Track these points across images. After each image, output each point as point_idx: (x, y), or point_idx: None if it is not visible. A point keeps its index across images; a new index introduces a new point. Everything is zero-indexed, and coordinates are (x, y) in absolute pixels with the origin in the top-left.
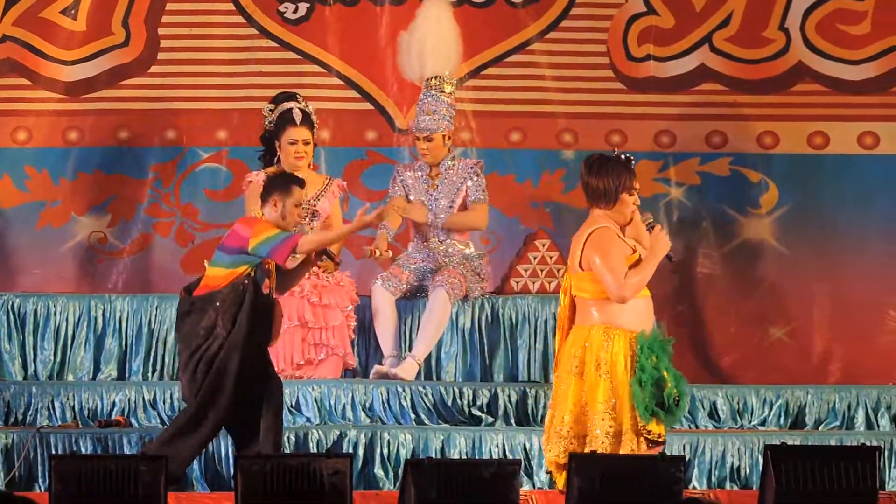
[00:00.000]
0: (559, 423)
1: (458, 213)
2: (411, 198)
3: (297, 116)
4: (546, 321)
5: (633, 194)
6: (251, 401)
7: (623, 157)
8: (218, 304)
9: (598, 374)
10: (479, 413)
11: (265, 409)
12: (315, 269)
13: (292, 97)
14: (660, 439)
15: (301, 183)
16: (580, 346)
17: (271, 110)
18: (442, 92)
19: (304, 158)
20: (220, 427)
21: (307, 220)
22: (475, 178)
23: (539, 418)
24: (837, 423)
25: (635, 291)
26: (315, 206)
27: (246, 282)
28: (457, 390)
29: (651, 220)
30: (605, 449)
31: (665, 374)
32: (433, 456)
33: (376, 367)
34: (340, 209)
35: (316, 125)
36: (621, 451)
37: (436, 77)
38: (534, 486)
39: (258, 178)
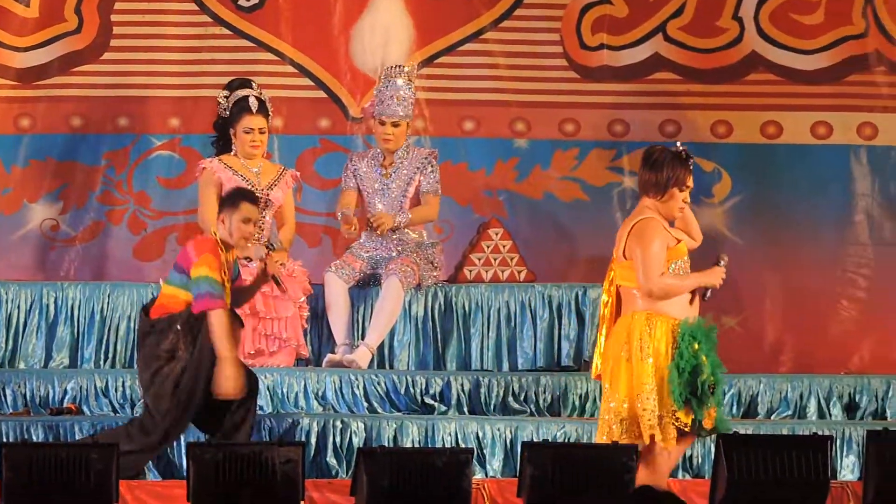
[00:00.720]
0: (619, 411)
1: (412, 211)
2: (365, 184)
3: (254, 105)
4: (499, 310)
5: (685, 191)
6: (222, 408)
7: (683, 152)
8: (178, 326)
9: (642, 358)
10: (431, 401)
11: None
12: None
13: (247, 84)
14: (686, 429)
15: (252, 198)
16: (625, 333)
17: (226, 97)
18: (408, 79)
19: (260, 147)
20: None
21: (261, 211)
22: (429, 169)
23: (492, 406)
24: (789, 413)
25: (662, 292)
26: (269, 195)
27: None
28: (409, 379)
29: (726, 261)
30: (654, 432)
31: (704, 361)
32: (386, 444)
33: (329, 356)
34: (293, 199)
35: (270, 113)
36: (649, 436)
37: (398, 66)
38: (486, 475)
39: (211, 165)
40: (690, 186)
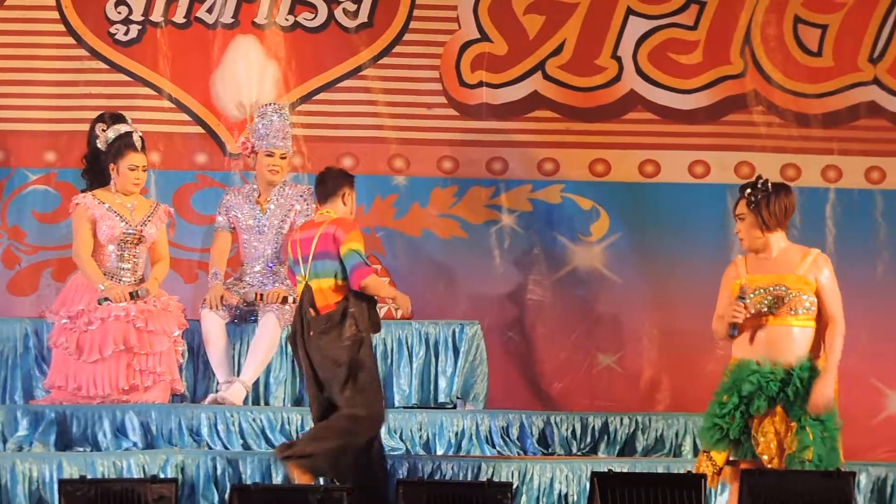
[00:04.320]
0: None
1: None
2: (240, 220)
3: (137, 142)
4: (375, 347)
5: (737, 221)
6: None
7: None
8: (351, 310)
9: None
10: None
11: None
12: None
13: (123, 119)
14: (715, 468)
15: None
16: None
17: (104, 131)
18: (285, 116)
19: (141, 184)
20: None
21: (134, 246)
22: (304, 205)
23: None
24: (665, 451)
25: (715, 333)
26: (142, 231)
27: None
28: (285, 415)
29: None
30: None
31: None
32: (259, 481)
33: (210, 396)
34: (166, 235)
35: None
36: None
37: (273, 103)
38: None
39: (84, 200)
40: (738, 214)
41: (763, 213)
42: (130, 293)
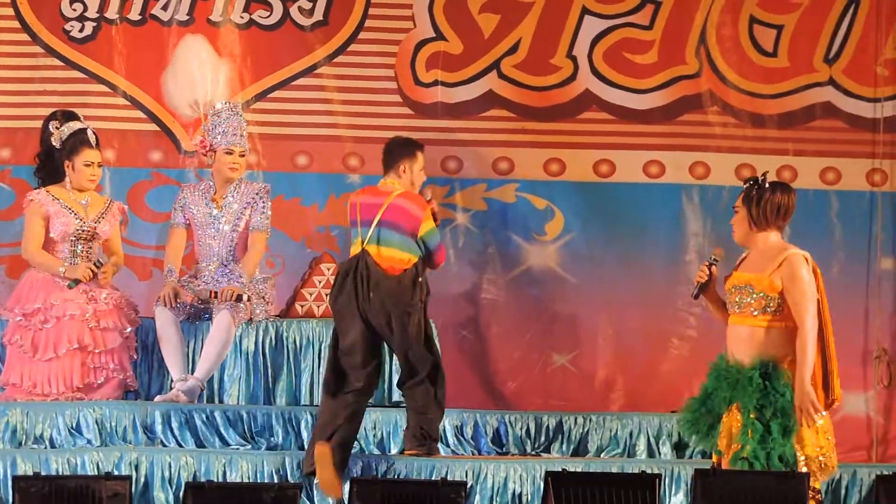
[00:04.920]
0: None
1: (243, 265)
2: (195, 218)
3: (92, 138)
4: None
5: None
6: None
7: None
8: (420, 279)
9: None
10: (261, 436)
11: None
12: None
13: (75, 116)
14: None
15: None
16: None
17: (58, 128)
18: (241, 113)
19: (96, 180)
20: None
21: (87, 243)
22: (260, 204)
23: None
24: (619, 451)
25: None
26: (96, 228)
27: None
28: (239, 413)
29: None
30: None
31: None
32: (214, 479)
33: (165, 395)
34: (120, 232)
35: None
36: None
37: (228, 101)
38: None
39: (38, 196)
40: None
41: (753, 209)
42: (95, 263)
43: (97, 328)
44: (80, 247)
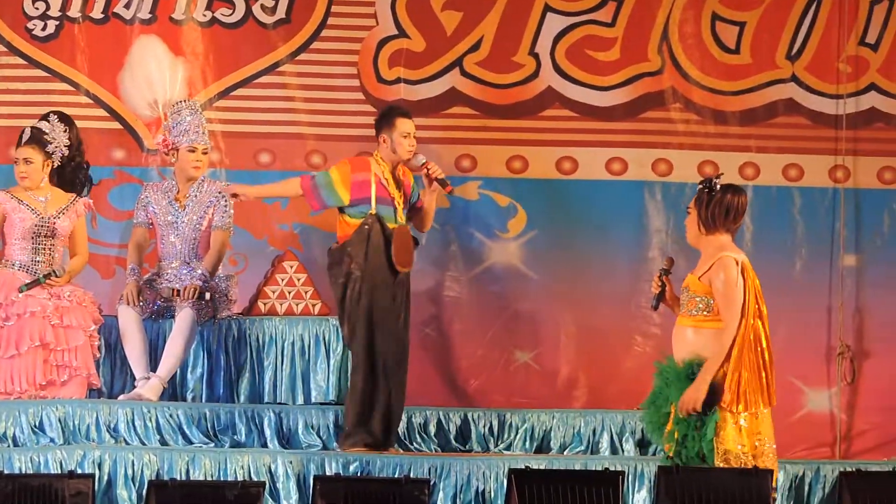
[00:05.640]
0: None
1: (205, 262)
2: (158, 216)
3: (25, 136)
4: (293, 342)
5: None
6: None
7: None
8: (349, 249)
9: None
10: (224, 434)
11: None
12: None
13: (45, 116)
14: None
15: (406, 114)
16: None
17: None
18: (200, 112)
19: (28, 177)
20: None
21: (47, 239)
22: (222, 202)
23: (286, 439)
24: (582, 448)
25: None
26: (55, 224)
27: (368, 223)
28: (202, 411)
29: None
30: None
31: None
32: (177, 477)
33: (126, 395)
34: (86, 228)
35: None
36: None
37: (187, 99)
38: None
39: None
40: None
41: (702, 211)
42: (45, 274)
43: (60, 325)
44: (40, 243)
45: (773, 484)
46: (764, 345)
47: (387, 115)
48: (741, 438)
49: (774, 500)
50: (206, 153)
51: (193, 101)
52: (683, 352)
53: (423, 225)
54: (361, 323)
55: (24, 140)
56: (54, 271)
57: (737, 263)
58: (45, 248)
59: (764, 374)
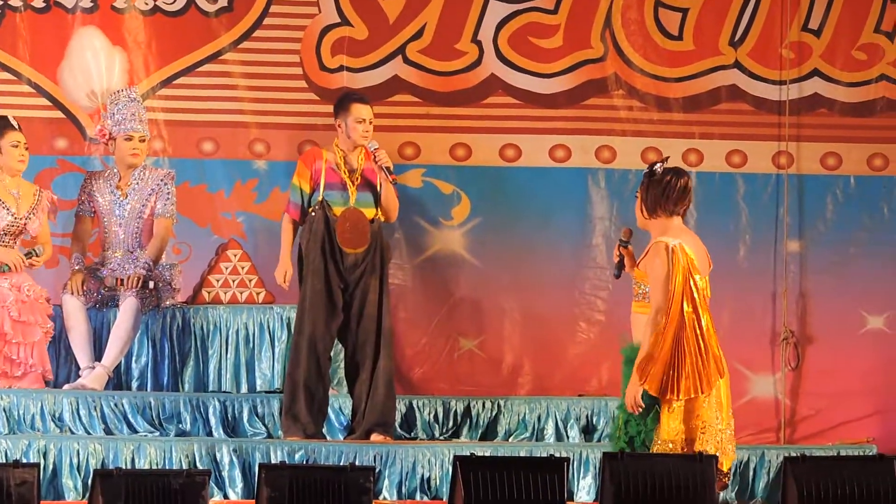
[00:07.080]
0: None
1: (150, 245)
2: (101, 205)
3: (13, 121)
4: (238, 331)
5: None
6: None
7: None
8: (300, 239)
9: None
10: (168, 423)
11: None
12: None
13: None
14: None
15: (10, 124)
16: None
17: None
18: (138, 100)
19: (26, 160)
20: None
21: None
22: (165, 190)
23: (230, 428)
24: (527, 435)
25: None
26: (25, 224)
27: (315, 210)
28: (147, 400)
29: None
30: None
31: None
32: (122, 466)
33: (70, 384)
34: (49, 224)
35: None
36: None
37: (124, 88)
38: (225, 497)
39: None
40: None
41: (644, 196)
42: (27, 253)
43: (18, 320)
44: (6, 240)
45: (725, 469)
46: (699, 331)
47: (343, 101)
48: (677, 426)
49: (726, 485)
50: (143, 141)
51: (132, 89)
52: (636, 337)
53: (386, 215)
54: (298, 309)
55: (16, 125)
56: (34, 250)
57: (667, 249)
58: (10, 244)
59: (700, 361)
